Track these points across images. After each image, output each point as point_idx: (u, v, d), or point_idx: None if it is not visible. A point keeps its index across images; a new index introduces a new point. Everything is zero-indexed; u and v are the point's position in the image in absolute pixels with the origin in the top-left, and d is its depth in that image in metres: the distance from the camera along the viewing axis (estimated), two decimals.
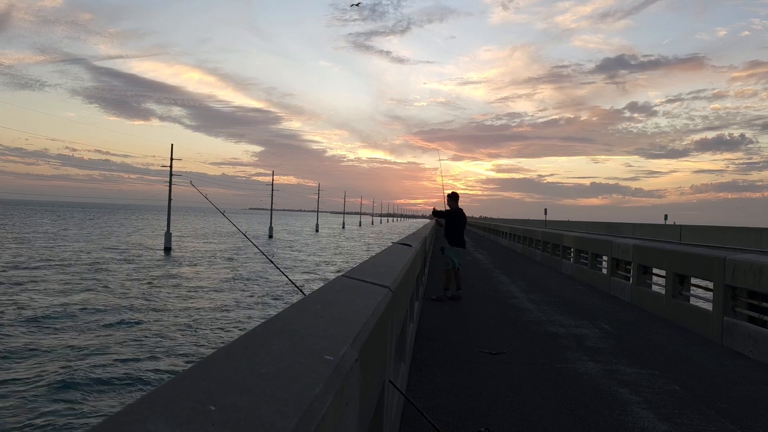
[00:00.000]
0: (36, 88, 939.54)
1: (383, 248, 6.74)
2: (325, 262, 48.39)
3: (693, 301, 10.04)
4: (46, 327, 18.68)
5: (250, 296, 27.40)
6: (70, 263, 36.93)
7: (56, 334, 17.86)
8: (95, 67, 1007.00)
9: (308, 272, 38.78)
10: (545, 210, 59.84)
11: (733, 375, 6.66)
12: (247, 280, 33.22)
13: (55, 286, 27.12)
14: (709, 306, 8.97)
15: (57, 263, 36.54)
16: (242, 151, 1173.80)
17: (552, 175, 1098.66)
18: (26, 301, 22.77)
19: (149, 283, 30.12)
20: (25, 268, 33.24)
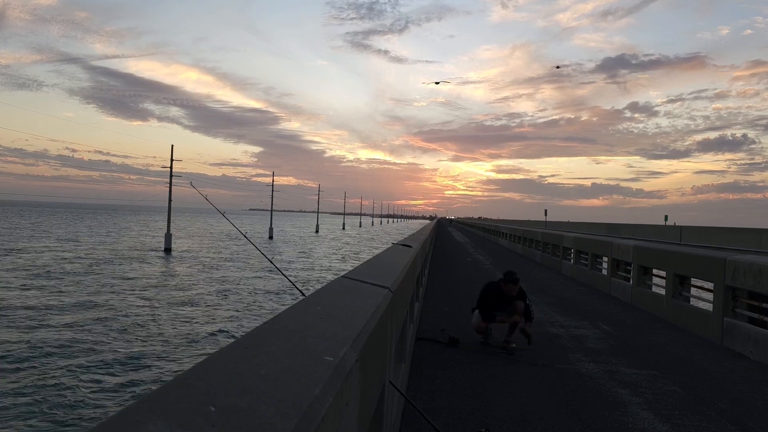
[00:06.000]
0: (34, 88, 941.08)
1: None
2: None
3: (693, 302, 10.04)
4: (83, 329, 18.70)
5: (250, 297, 27.38)
6: (76, 268, 37.04)
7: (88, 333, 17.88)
8: (92, 66, 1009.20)
9: (306, 271, 38.81)
10: (545, 211, 59.80)
11: (733, 376, 6.66)
12: (247, 281, 33.20)
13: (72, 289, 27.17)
14: (709, 307, 8.97)
15: (72, 269, 36.60)
16: (242, 151, 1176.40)
17: (553, 175, 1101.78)
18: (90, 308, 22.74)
19: (146, 284, 30.11)
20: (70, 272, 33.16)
